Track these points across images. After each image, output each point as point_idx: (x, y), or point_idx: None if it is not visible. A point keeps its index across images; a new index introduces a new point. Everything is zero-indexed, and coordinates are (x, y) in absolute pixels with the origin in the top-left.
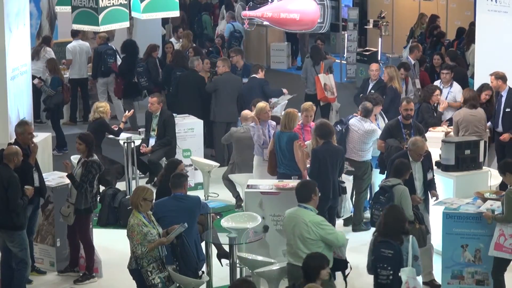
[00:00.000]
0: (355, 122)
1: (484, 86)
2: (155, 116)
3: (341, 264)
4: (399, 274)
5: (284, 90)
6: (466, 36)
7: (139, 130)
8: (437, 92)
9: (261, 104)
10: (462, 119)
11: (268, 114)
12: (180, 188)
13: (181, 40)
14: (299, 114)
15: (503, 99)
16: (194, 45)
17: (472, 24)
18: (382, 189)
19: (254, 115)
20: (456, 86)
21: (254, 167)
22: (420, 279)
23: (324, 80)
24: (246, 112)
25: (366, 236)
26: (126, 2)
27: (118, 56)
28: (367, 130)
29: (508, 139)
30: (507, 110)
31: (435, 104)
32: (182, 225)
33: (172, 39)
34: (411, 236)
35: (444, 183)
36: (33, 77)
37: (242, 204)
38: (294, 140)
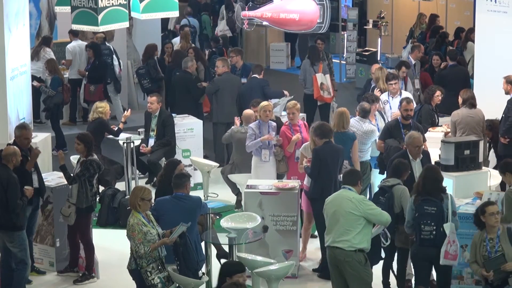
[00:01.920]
0: (354, 123)
1: None
2: (154, 116)
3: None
4: (442, 229)
5: (285, 92)
6: (464, 35)
7: (138, 130)
8: (438, 93)
9: (265, 102)
10: (460, 120)
11: (267, 115)
12: (181, 189)
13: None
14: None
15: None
16: (193, 45)
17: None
18: (382, 189)
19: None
20: (405, 94)
21: (252, 168)
22: None
23: (321, 79)
24: (248, 111)
25: None
26: (125, 2)
27: (115, 57)
28: (366, 130)
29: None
30: (503, 115)
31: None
32: (183, 225)
33: (176, 39)
34: (449, 193)
35: (443, 183)
36: (33, 77)
37: (243, 203)
38: (354, 140)
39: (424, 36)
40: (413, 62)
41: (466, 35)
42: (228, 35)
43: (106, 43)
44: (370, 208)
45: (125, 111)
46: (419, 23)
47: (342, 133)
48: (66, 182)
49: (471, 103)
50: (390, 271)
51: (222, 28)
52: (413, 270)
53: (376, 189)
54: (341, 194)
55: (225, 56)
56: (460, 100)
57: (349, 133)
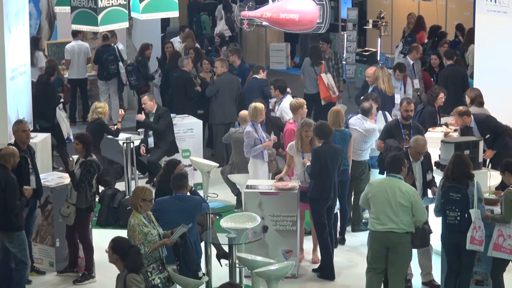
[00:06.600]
0: (355, 121)
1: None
2: (151, 115)
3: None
4: (466, 215)
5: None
6: (465, 36)
7: (138, 130)
8: (442, 95)
9: (256, 105)
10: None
11: (262, 116)
12: (182, 190)
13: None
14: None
15: None
16: (196, 45)
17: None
18: None
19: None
20: (285, 102)
21: (251, 169)
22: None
23: (326, 79)
24: (244, 112)
25: (365, 236)
26: (125, 2)
27: (121, 64)
28: (367, 128)
29: (491, 156)
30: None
31: (438, 108)
32: (184, 226)
33: (176, 39)
34: (476, 180)
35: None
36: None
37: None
38: (351, 137)
39: (413, 38)
40: (411, 62)
41: (467, 36)
42: (227, 34)
43: (112, 44)
44: (419, 203)
45: (120, 110)
46: (408, 23)
47: (340, 131)
48: (65, 182)
49: (479, 101)
50: None
51: (221, 28)
52: (412, 270)
53: None
54: (391, 183)
55: (220, 55)
56: (468, 99)
57: (346, 131)
